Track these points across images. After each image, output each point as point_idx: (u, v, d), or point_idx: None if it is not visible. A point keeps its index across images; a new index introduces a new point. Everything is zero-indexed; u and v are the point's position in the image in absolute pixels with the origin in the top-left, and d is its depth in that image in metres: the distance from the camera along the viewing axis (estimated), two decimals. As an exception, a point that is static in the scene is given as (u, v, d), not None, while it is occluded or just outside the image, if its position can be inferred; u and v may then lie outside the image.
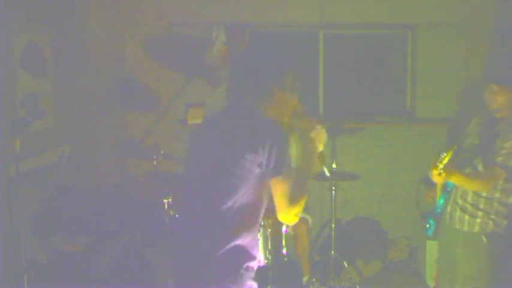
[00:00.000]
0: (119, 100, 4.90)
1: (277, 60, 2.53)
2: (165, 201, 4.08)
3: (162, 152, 4.36)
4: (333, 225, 4.38)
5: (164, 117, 5.21)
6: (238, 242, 2.23)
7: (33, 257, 3.19)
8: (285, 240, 3.93)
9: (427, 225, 3.37)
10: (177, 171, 4.87)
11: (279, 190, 2.25)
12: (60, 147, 3.86)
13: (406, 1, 5.20)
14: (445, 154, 2.97)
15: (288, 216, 2.29)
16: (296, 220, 2.31)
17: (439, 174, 3.01)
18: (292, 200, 2.25)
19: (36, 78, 3.57)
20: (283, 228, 3.91)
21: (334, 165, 4.33)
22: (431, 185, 3.39)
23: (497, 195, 3.10)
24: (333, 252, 4.37)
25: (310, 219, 4.49)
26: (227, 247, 2.21)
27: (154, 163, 4.32)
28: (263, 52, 2.62)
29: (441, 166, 2.97)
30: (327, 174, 2.60)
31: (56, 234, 3.34)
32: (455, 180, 3.09)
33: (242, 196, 2.23)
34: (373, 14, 5.20)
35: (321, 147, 2.42)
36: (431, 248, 4.56)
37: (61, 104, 3.87)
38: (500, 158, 3.01)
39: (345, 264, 4.46)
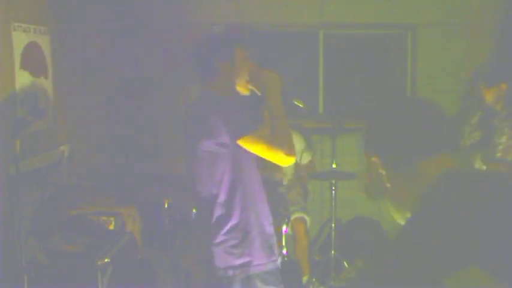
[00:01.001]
0: (118, 100, 4.90)
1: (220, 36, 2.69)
2: (165, 201, 4.08)
3: (161, 152, 4.36)
4: (333, 225, 4.38)
5: (164, 117, 5.20)
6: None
7: (33, 257, 3.19)
8: (285, 240, 3.93)
9: None
10: (177, 171, 4.86)
11: (254, 148, 2.35)
12: (60, 147, 3.86)
13: (406, 1, 5.21)
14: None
15: (282, 159, 2.37)
16: (291, 160, 2.39)
17: None
18: (275, 145, 2.34)
19: (36, 78, 3.56)
20: (283, 228, 3.91)
21: (334, 165, 4.33)
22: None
23: None
24: (333, 252, 4.37)
25: (308, 219, 4.49)
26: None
27: (155, 163, 4.32)
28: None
29: None
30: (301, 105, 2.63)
31: (56, 234, 3.33)
32: None
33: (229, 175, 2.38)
34: (373, 14, 5.20)
35: (274, 87, 2.45)
36: (431, 248, 4.55)
37: (61, 104, 3.87)
38: (498, 154, 3.02)
39: (345, 264, 4.46)
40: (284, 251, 3.91)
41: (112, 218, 3.51)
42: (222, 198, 2.40)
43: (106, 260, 3.10)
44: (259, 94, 2.49)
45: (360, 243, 5.08)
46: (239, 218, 2.40)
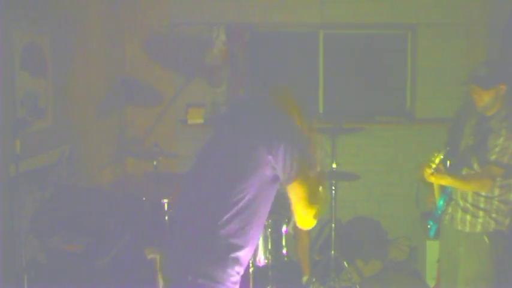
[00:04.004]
0: (118, 100, 4.90)
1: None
2: (165, 201, 4.08)
3: (162, 152, 4.36)
4: (333, 225, 4.38)
5: (164, 117, 5.21)
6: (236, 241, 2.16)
7: (33, 257, 3.19)
8: (285, 240, 3.92)
9: (428, 226, 3.37)
10: (177, 171, 4.87)
11: (295, 194, 2.19)
12: (60, 147, 3.86)
13: (406, 1, 5.21)
14: (436, 154, 2.97)
15: (306, 219, 2.24)
16: (314, 223, 2.26)
17: (432, 173, 3.00)
18: (309, 203, 2.20)
19: (36, 78, 3.57)
20: (283, 228, 3.90)
21: (334, 165, 4.33)
22: (431, 185, 3.39)
23: (496, 192, 3.10)
24: (333, 252, 4.37)
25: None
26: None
27: (155, 163, 4.32)
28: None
29: (433, 166, 2.98)
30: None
31: (56, 234, 3.34)
32: (448, 183, 3.08)
33: (252, 193, 2.15)
34: (373, 14, 5.20)
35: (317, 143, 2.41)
36: (431, 248, 4.55)
37: (61, 104, 3.87)
38: (494, 156, 3.01)
39: (345, 264, 4.46)
40: (284, 251, 3.91)
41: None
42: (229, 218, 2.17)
43: (106, 260, 3.10)
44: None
45: (360, 243, 5.08)
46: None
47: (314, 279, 4.43)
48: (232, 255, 2.15)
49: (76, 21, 4.16)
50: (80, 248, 3.21)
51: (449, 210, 3.25)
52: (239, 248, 2.15)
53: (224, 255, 2.14)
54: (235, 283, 2.19)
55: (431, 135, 5.17)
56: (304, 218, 2.24)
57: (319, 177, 2.28)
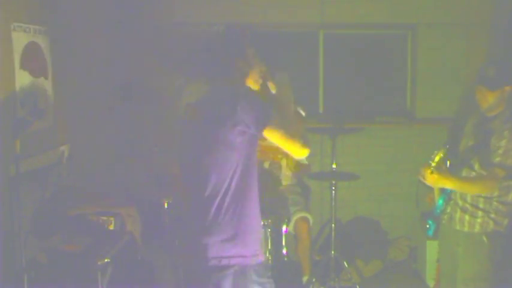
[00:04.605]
0: (118, 100, 4.90)
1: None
2: (165, 201, 4.08)
3: (162, 151, 4.36)
4: (333, 225, 4.38)
5: (164, 117, 5.20)
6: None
7: (33, 257, 3.19)
8: (285, 240, 3.92)
9: (427, 226, 3.37)
10: (177, 171, 4.86)
11: (276, 136, 2.45)
12: (60, 147, 3.86)
13: (406, 1, 5.21)
14: (436, 152, 2.97)
15: (298, 151, 2.51)
16: (307, 150, 2.51)
17: (432, 172, 3.00)
18: (292, 136, 2.47)
19: (36, 78, 3.56)
20: (283, 228, 3.90)
21: (334, 165, 4.33)
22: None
23: (496, 193, 3.10)
24: (333, 252, 4.37)
25: (311, 218, 4.48)
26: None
27: (156, 163, 4.32)
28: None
29: (434, 164, 2.98)
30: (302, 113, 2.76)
31: (56, 234, 3.33)
32: (451, 185, 3.08)
33: (242, 166, 2.41)
34: (373, 14, 5.20)
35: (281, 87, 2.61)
36: (431, 248, 4.56)
37: (61, 104, 3.87)
38: (498, 159, 3.00)
39: (345, 264, 4.46)
40: (284, 251, 3.91)
41: (112, 218, 3.51)
42: (231, 187, 2.41)
43: (106, 260, 3.10)
44: (273, 90, 2.59)
45: (360, 243, 5.09)
46: (241, 208, 2.42)
47: (314, 279, 4.42)
48: None
49: (76, 21, 4.16)
50: (80, 248, 3.21)
51: (448, 209, 3.25)
52: None
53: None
54: None
55: (431, 135, 5.17)
56: (295, 150, 2.51)
57: (291, 118, 2.58)
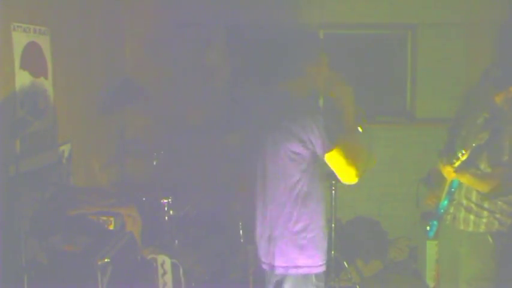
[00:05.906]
0: (118, 100, 4.89)
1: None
2: (165, 201, 4.08)
3: (162, 152, 4.36)
4: (333, 225, 4.38)
5: (164, 117, 5.20)
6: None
7: (33, 257, 3.18)
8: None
9: (428, 227, 3.36)
10: (177, 171, 4.86)
11: (334, 163, 2.39)
12: (60, 147, 3.86)
13: (406, 1, 5.21)
14: (463, 152, 2.97)
15: (351, 177, 2.44)
16: (357, 179, 2.44)
17: (454, 171, 3.02)
18: (350, 164, 2.39)
19: (36, 78, 3.56)
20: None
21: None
22: (431, 185, 3.39)
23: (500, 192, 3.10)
24: (333, 252, 4.37)
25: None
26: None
27: (154, 163, 4.32)
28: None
29: (457, 163, 2.99)
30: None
31: (56, 234, 3.33)
32: (465, 180, 3.09)
33: (301, 181, 2.42)
34: (373, 14, 5.20)
35: (347, 100, 2.50)
36: (431, 248, 4.56)
37: (61, 104, 3.87)
38: (506, 157, 3.02)
39: (345, 264, 4.46)
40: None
41: (112, 218, 3.50)
42: (298, 197, 2.44)
43: (106, 260, 3.10)
44: (337, 104, 2.52)
45: (360, 243, 5.09)
46: (307, 219, 2.46)
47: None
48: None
49: (76, 21, 4.16)
50: (80, 248, 3.21)
51: (451, 210, 3.25)
52: None
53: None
54: None
55: (431, 135, 5.16)
56: (347, 177, 2.43)
57: (354, 139, 2.48)
